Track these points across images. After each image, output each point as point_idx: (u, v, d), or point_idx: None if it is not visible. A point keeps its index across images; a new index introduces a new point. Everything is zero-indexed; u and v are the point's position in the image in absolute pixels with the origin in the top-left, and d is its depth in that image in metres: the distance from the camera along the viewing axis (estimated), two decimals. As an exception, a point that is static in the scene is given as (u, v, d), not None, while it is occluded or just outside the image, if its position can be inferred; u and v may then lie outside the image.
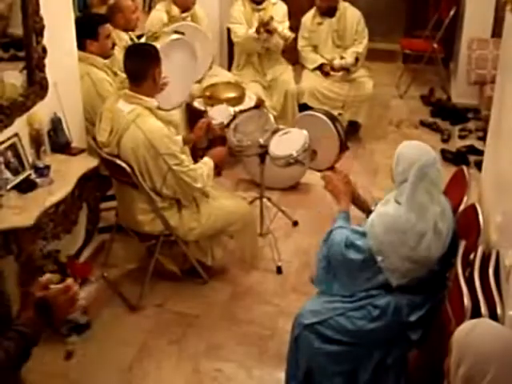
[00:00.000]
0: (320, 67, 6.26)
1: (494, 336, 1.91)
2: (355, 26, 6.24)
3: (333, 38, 6.27)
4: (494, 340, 1.90)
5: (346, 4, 6.30)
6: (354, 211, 3.48)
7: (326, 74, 6.21)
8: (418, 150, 3.05)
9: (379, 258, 3.02)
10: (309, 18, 6.33)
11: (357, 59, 6.16)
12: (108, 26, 4.51)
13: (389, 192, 3.20)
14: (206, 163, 4.08)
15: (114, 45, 4.59)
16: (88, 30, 4.35)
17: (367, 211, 3.39)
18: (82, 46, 4.30)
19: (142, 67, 3.84)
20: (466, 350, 1.90)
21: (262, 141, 4.42)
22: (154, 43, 4.27)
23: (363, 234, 3.07)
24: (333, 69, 6.18)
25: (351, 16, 6.25)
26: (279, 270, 4.49)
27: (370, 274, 3.09)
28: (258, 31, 5.83)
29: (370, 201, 3.54)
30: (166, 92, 4.18)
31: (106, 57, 4.49)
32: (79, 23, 4.20)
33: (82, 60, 4.27)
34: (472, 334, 1.92)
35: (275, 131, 4.49)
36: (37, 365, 3.64)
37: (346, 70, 6.16)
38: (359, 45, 6.24)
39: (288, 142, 4.35)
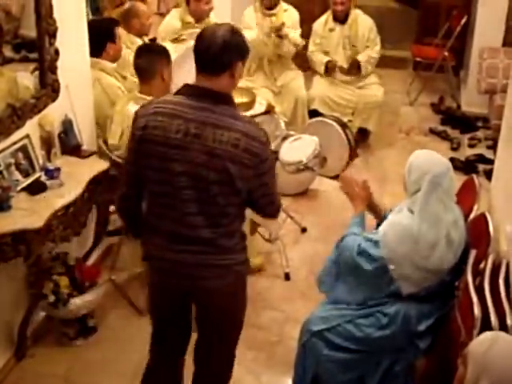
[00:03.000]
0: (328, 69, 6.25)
1: None
2: (367, 33, 6.22)
3: (344, 44, 6.25)
4: None
5: (358, 11, 6.29)
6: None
7: (331, 70, 6.19)
8: (431, 159, 3.04)
9: (391, 267, 2.99)
10: (320, 24, 6.32)
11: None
12: (119, 28, 4.54)
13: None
14: None
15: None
16: (109, 33, 4.39)
17: (380, 219, 3.37)
18: (102, 50, 4.32)
19: (150, 64, 3.88)
20: (486, 366, 1.89)
21: (272, 147, 4.40)
22: (179, 45, 4.29)
23: (376, 243, 3.05)
24: (348, 71, 6.18)
25: (363, 23, 6.23)
26: (287, 277, 4.49)
27: (381, 283, 3.08)
28: (269, 35, 5.83)
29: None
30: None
31: (115, 60, 4.51)
32: (99, 26, 4.23)
33: (92, 66, 4.26)
34: (492, 350, 1.91)
35: (285, 137, 4.48)
36: (40, 367, 3.69)
37: (357, 68, 6.15)
38: (371, 50, 6.23)
39: (298, 148, 4.34)
